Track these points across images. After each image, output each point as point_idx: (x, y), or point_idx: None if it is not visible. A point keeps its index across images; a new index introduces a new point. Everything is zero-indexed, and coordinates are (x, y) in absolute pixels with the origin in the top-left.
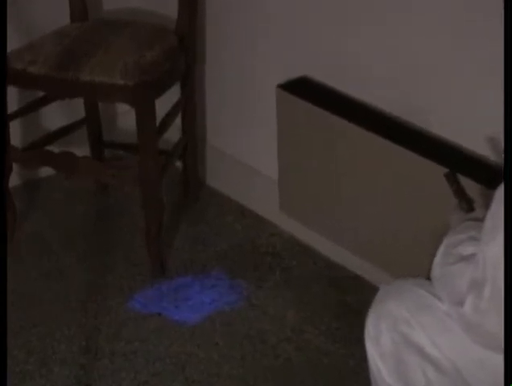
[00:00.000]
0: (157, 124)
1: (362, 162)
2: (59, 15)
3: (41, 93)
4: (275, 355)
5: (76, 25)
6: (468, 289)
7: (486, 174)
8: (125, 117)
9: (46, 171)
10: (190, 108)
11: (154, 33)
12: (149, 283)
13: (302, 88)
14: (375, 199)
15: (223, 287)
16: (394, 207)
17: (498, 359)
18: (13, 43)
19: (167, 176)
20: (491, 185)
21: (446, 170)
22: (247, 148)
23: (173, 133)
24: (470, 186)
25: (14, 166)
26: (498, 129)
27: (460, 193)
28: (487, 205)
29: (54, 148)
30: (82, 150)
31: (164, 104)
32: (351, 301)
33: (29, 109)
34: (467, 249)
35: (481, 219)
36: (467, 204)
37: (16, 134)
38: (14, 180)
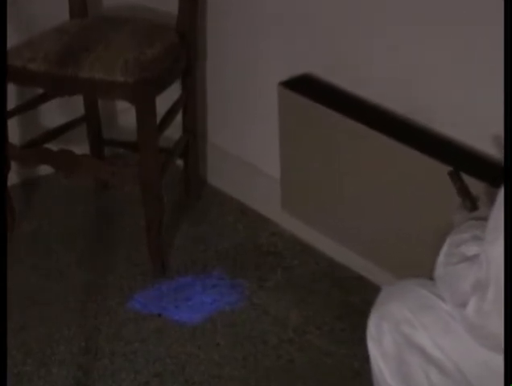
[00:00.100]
0: (157, 121)
1: (365, 160)
2: (59, 12)
3: (40, 90)
4: (277, 356)
5: (75, 21)
6: (472, 290)
7: (490, 172)
8: (125, 115)
9: (45, 170)
10: (191, 106)
11: (154, 29)
12: (149, 283)
13: (304, 86)
14: (378, 197)
15: (224, 287)
16: (398, 205)
17: (502, 361)
18: (12, 40)
19: (168, 174)
20: (495, 183)
21: (450, 169)
22: (248, 146)
23: (174, 131)
24: (474, 184)
25: (13, 165)
26: (503, 127)
27: (463, 191)
28: (491, 204)
29: (53, 146)
30: (81, 148)
31: (165, 101)
32: (354, 301)
33: (28, 107)
34: (470, 249)
35: (485, 218)
36: (471, 203)
37: (15, 132)
38: (12, 179)
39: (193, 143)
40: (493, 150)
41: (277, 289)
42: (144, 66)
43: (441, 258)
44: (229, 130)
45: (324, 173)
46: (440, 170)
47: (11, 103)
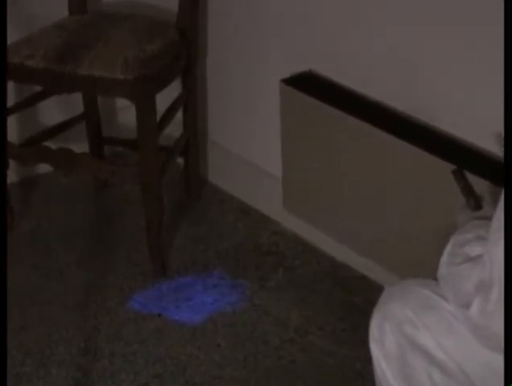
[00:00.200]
0: (157, 119)
1: (367, 158)
2: (58, 8)
3: (39, 88)
4: (278, 357)
5: (74, 18)
6: (475, 290)
7: (495, 170)
8: (124, 113)
9: (43, 168)
10: (191, 104)
11: (154, 26)
12: (149, 283)
13: (306, 83)
14: (380, 196)
15: (225, 287)
16: (400, 204)
17: None
18: (10, 37)
19: (168, 173)
20: (500, 182)
21: (453, 167)
22: (250, 144)
23: (174, 129)
24: (478, 183)
25: (11, 163)
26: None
27: (467, 190)
28: (495, 203)
29: (52, 144)
30: (81, 146)
31: (165, 99)
32: (357, 301)
33: (26, 104)
34: (474, 249)
35: (489, 218)
36: (475, 202)
37: (13, 130)
38: (10, 177)
39: (194, 141)
40: (496, 148)
41: (278, 289)
42: (144, 63)
43: (444, 258)
44: (230, 128)
45: (326, 171)
46: (443, 169)
47: (9, 100)
